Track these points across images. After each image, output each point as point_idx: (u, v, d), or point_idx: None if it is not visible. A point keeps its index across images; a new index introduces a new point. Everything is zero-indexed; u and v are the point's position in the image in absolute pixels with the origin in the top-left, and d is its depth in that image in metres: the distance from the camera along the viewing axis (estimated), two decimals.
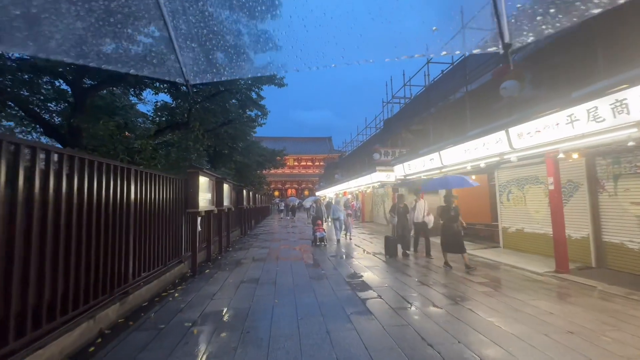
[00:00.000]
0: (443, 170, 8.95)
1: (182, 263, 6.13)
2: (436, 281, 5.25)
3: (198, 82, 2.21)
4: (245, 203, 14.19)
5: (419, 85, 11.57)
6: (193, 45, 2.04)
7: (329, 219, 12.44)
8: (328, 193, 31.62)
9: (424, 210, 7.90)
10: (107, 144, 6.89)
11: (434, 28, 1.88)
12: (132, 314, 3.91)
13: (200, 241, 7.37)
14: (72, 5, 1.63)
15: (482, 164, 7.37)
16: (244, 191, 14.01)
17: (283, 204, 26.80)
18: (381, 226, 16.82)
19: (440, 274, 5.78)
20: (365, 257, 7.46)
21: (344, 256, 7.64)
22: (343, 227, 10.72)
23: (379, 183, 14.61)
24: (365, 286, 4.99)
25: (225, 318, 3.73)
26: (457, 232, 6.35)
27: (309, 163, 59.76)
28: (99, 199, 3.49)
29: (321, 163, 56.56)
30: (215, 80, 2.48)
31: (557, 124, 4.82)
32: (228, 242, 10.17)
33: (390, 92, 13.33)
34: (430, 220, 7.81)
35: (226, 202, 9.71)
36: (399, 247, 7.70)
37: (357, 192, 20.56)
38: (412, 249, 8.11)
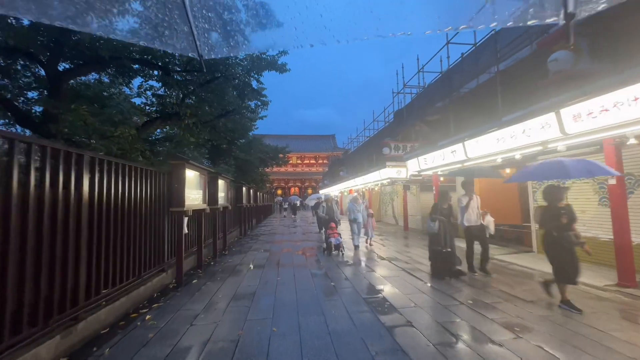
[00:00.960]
0: (466, 164, 7.88)
1: (165, 272, 5.14)
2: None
3: (213, 56, 2.02)
4: (245, 201, 13.22)
5: (434, 71, 10.49)
6: (210, 14, 1.83)
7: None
8: (332, 191, 30.60)
9: (478, 208, 6.15)
10: (80, 131, 5.91)
11: None
12: (81, 348, 2.92)
13: (189, 245, 6.38)
14: None
15: (518, 155, 6.29)
16: (244, 188, 13.04)
17: (287, 203, 26.62)
18: (390, 226, 15.76)
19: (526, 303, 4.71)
20: (397, 276, 5.37)
21: (363, 269, 6.65)
22: (362, 230, 8.91)
23: (388, 180, 13.55)
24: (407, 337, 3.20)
25: (202, 359, 2.72)
26: (573, 251, 3.91)
27: (312, 161, 58.88)
28: (24, 192, 2.49)
29: (324, 161, 55.67)
30: (231, 54, 2.41)
31: (637, 99, 3.75)
32: (225, 244, 9.20)
33: (402, 80, 12.25)
34: (490, 222, 6.10)
35: (222, 200, 8.72)
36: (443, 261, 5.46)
37: (364, 190, 19.52)
38: (468, 265, 5.88)
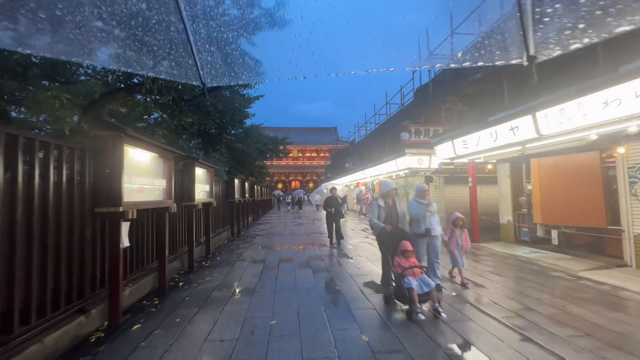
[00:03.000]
0: (533, 144, 5.82)
1: (86, 314, 3.12)
2: None
3: (215, 84, 2.20)
4: (238, 196, 11.20)
5: (471, 34, 8.35)
6: (212, 49, 2.04)
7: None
8: (336, 185, 28.55)
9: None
10: None
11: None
12: None
13: (139, 263, 4.35)
14: (94, 8, 1.65)
15: (635, 127, 4.24)
16: (236, 181, 11.01)
17: (289, 197, 26.07)
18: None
19: None
20: None
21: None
22: (439, 254, 4.39)
23: (407, 171, 11.49)
24: None
25: None
26: None
27: (314, 154, 56.95)
28: None
29: (326, 154, 53.73)
30: (232, 83, 3.24)
31: None
32: (208, 250, 7.19)
33: (426, 48, 10.07)
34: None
35: (203, 195, 6.70)
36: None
37: (374, 182, 17.46)
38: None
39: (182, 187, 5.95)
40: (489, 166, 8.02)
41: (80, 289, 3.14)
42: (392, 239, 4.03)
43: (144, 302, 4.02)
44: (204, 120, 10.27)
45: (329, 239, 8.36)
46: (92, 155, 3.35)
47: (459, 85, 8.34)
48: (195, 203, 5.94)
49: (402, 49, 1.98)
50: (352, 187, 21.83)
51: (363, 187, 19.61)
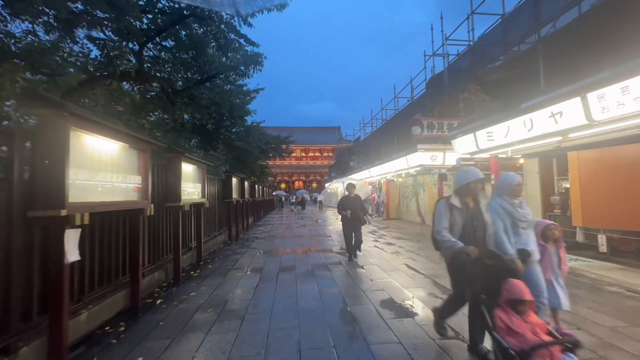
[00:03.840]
0: (583, 132, 4.91)
1: (10, 356, 2.30)
2: None
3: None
4: (236, 196, 10.40)
5: (496, 13, 7.46)
6: None
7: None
8: (340, 185, 27.70)
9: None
10: None
11: None
12: None
13: (99, 278, 3.52)
14: None
15: None
16: (234, 180, 10.21)
17: (294, 197, 25.95)
18: (414, 226, 12.81)
19: None
20: None
21: None
22: (544, 290, 2.62)
23: (419, 168, 10.61)
24: None
25: None
26: None
27: (317, 154, 56.18)
28: None
29: (330, 154, 52.97)
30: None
31: None
32: (199, 256, 6.38)
33: (440, 37, 9.20)
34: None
35: (192, 195, 5.89)
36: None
37: (381, 181, 16.56)
38: None
39: (167, 185, 5.14)
40: (521, 160, 7.11)
41: (5, 322, 2.32)
42: (481, 272, 2.25)
43: (107, 328, 3.20)
44: (197, 113, 9.45)
45: (347, 254, 6.34)
46: (24, 141, 2.54)
47: (481, 72, 7.43)
48: (181, 204, 5.13)
49: None
50: (359, 186, 20.95)
51: (370, 187, 18.71)
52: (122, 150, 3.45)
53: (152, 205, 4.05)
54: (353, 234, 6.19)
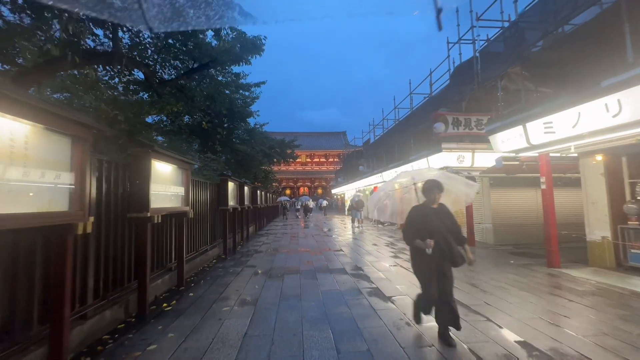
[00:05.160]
0: None
1: None
2: None
3: (162, 30, 1.89)
4: (233, 203, 9.11)
5: None
6: None
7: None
8: (348, 190, 26.32)
9: None
10: None
11: None
12: None
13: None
14: None
15: None
16: (231, 184, 8.92)
17: (299, 204, 25.48)
18: None
19: None
20: None
21: None
22: None
23: (444, 170, 9.20)
24: None
25: None
26: None
27: (323, 159, 55.02)
28: None
29: (335, 159, 51.74)
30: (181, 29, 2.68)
31: None
32: (180, 280, 5.05)
33: (470, 19, 7.88)
34: None
35: (169, 202, 4.60)
36: None
37: (397, 186, 15.13)
38: None
39: (131, 190, 3.85)
40: (598, 157, 5.67)
41: None
42: None
43: None
44: (189, 107, 8.23)
45: (417, 316, 3.23)
46: None
47: (527, 52, 6.07)
48: (148, 215, 3.82)
49: None
50: (367, 192, 19.56)
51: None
52: (37, 137, 2.16)
53: (92, 218, 2.74)
54: (437, 285, 2.92)
